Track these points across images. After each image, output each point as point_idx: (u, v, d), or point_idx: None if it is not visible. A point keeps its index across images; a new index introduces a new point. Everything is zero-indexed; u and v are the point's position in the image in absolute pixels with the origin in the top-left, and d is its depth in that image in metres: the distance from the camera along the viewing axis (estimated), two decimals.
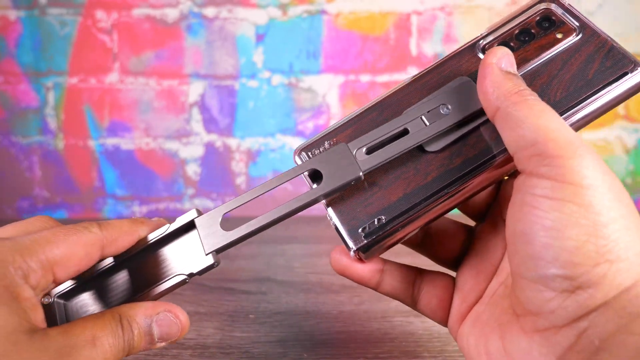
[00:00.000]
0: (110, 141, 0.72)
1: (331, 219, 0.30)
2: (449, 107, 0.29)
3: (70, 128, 0.72)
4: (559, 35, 0.29)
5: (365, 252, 0.29)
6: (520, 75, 0.27)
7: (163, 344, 0.26)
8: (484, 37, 0.30)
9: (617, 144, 0.71)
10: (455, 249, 0.32)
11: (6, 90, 0.70)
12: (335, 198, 0.29)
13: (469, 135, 0.29)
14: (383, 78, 0.70)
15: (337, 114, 0.71)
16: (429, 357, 0.37)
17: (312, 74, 0.70)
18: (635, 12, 0.68)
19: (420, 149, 0.29)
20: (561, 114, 0.27)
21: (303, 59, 0.70)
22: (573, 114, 0.27)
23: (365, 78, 0.70)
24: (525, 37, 0.29)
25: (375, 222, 0.28)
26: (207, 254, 0.28)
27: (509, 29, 0.30)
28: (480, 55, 0.30)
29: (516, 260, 0.23)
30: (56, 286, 0.26)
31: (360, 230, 0.28)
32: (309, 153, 0.30)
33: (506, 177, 0.29)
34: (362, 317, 0.44)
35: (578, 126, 0.28)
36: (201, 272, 0.28)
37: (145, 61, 0.70)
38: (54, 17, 0.69)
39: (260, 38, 0.70)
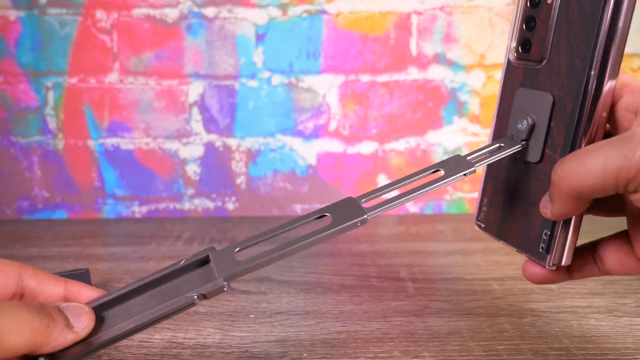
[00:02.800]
0: (110, 141, 0.72)
1: (521, 252, 0.34)
2: (527, 119, 0.33)
3: (70, 128, 0.72)
4: (549, 1, 0.31)
5: (559, 263, 0.33)
6: (549, 48, 0.31)
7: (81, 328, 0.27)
8: (511, 44, 0.34)
9: None
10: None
11: (6, 90, 0.70)
12: (512, 237, 0.35)
13: (552, 132, 0.32)
14: (383, 78, 0.70)
15: (337, 114, 0.71)
16: (429, 356, 0.37)
17: (312, 73, 0.70)
18: (636, 12, 0.68)
19: (526, 164, 0.33)
20: (592, 58, 0.29)
21: (303, 58, 0.70)
22: (603, 50, 0.29)
23: (365, 78, 0.70)
24: (530, 23, 0.32)
25: (545, 238, 0.33)
26: (218, 279, 0.29)
27: (520, 22, 0.33)
28: (512, 57, 0.34)
29: None
30: None
31: (540, 250, 0.33)
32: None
33: None
34: (362, 316, 0.44)
35: (618, 50, 0.29)
36: (210, 295, 0.29)
37: (145, 61, 0.70)
38: (54, 17, 0.69)
39: (260, 38, 0.70)
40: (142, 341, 0.40)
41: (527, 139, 0.33)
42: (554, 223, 0.32)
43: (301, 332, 0.41)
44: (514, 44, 0.34)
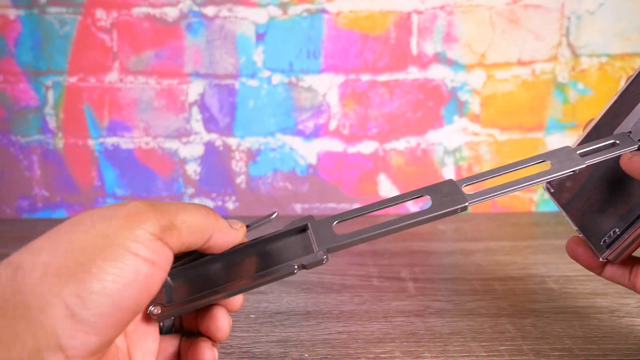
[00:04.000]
0: (110, 140, 0.72)
1: (579, 233, 0.35)
2: None
3: (69, 127, 0.71)
4: None
5: (612, 260, 0.34)
6: None
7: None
8: None
9: None
10: None
11: (5, 89, 0.70)
12: (577, 215, 0.35)
13: None
14: (383, 77, 0.70)
15: (337, 113, 0.71)
16: (430, 357, 0.37)
17: (312, 73, 0.70)
18: (636, 11, 0.68)
19: None
20: None
21: (303, 58, 0.70)
22: None
23: (365, 77, 0.70)
24: None
25: (612, 234, 0.33)
26: (317, 251, 0.29)
27: None
28: None
29: None
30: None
31: (602, 242, 0.34)
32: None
33: None
34: (363, 317, 0.44)
35: None
36: (310, 266, 0.29)
37: (145, 60, 0.70)
38: (54, 16, 0.68)
39: (260, 37, 0.69)
40: None
41: None
42: (627, 227, 0.32)
43: (302, 332, 0.41)
44: None
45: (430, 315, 0.44)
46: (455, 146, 0.72)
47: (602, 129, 0.35)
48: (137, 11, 0.68)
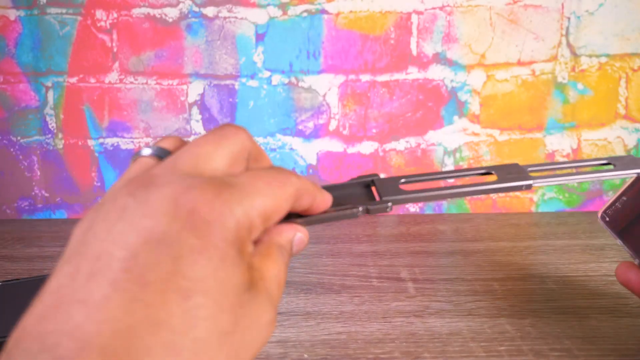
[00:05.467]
0: (110, 141, 0.72)
1: (635, 259, 0.36)
2: None
3: (69, 128, 0.71)
4: None
5: None
6: None
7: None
8: None
9: (618, 143, 0.71)
10: None
11: (6, 89, 0.70)
12: (634, 241, 0.36)
13: None
14: (383, 78, 0.70)
15: (337, 113, 0.71)
16: (430, 357, 0.37)
17: (312, 73, 0.70)
18: (636, 11, 0.68)
19: None
20: None
21: (303, 58, 0.70)
22: None
23: (365, 78, 0.70)
24: None
25: None
26: (382, 199, 0.30)
27: None
28: None
29: None
30: None
31: None
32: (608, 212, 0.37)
33: None
34: (362, 317, 0.44)
35: None
36: (373, 211, 0.30)
37: (145, 61, 0.70)
38: (54, 16, 0.68)
39: (260, 37, 0.69)
40: None
41: None
42: None
43: (302, 332, 0.41)
44: None
45: (429, 315, 0.44)
46: (455, 146, 0.72)
47: None
48: (137, 12, 0.69)
